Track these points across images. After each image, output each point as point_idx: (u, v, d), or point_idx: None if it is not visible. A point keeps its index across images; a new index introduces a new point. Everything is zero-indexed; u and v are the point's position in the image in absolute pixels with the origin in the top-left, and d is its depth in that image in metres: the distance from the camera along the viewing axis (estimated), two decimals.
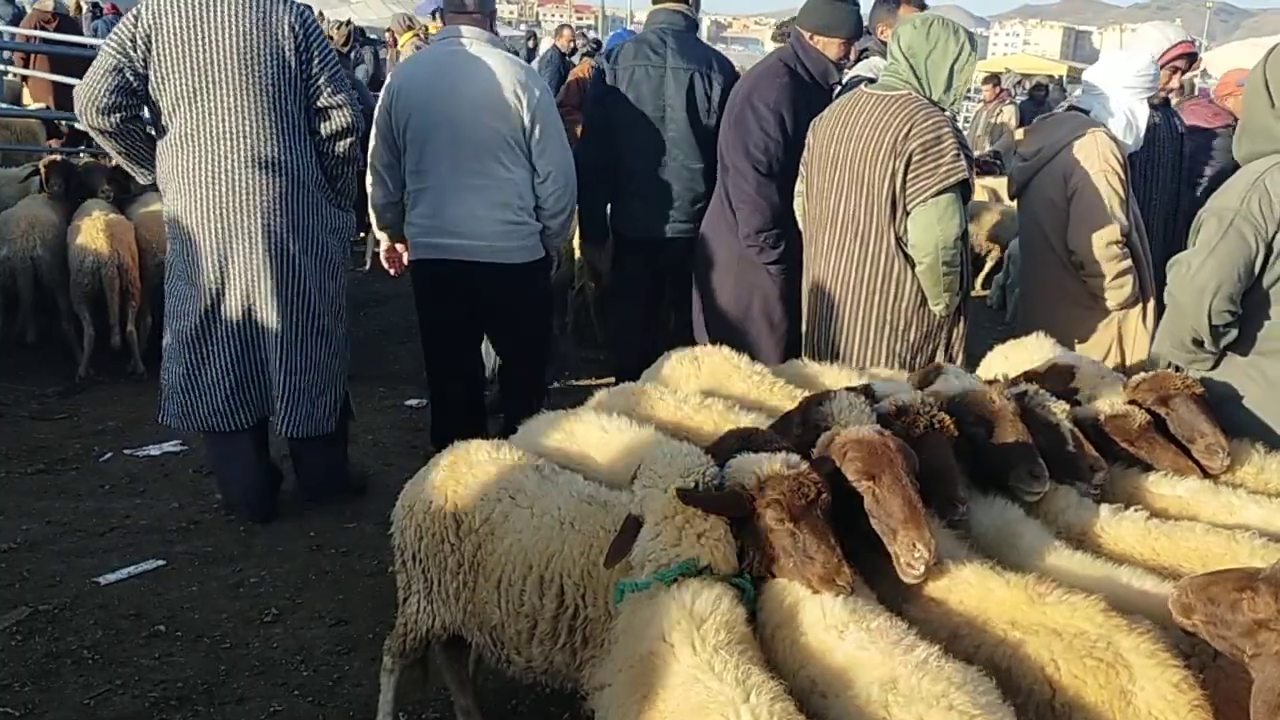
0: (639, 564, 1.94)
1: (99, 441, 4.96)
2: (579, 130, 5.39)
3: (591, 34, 20.20)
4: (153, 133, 3.96)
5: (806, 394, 2.65)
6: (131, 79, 3.74)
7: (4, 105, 10.35)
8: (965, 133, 4.66)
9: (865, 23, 4.79)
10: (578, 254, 6.57)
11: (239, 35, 3.71)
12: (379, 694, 2.75)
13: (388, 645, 2.70)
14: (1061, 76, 28.52)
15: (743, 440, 2.19)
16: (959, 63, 3.51)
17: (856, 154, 3.56)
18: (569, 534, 2.23)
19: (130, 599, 3.54)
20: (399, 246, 4.31)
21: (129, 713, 2.97)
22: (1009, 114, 13.63)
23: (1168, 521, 2.23)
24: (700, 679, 1.60)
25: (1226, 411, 2.75)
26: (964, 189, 3.51)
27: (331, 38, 7.35)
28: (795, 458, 2.01)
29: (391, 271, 4.50)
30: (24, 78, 10.58)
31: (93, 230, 5.64)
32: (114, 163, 6.79)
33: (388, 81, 4.19)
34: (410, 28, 8.42)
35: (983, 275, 9.10)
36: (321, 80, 3.87)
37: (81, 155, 7.38)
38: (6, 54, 10.97)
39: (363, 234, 7.60)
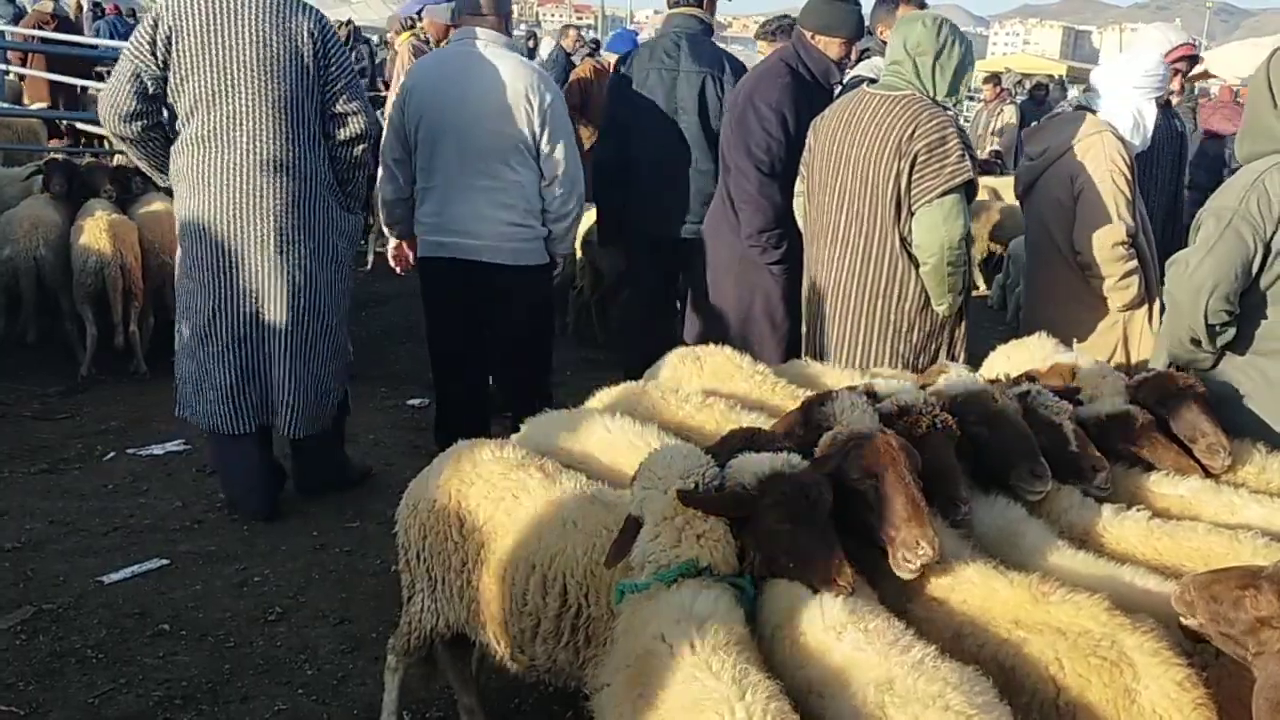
0: (639, 565, 1.94)
1: (102, 441, 4.96)
2: (580, 130, 5.44)
3: (590, 34, 20.18)
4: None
5: (808, 394, 2.66)
6: (150, 84, 3.78)
7: (5, 105, 10.36)
8: (968, 132, 4.66)
9: (866, 23, 4.81)
10: (579, 254, 6.58)
11: (258, 40, 3.75)
12: (383, 693, 2.76)
13: (392, 644, 2.71)
14: (1062, 76, 28.52)
15: (745, 440, 2.20)
16: (964, 65, 3.54)
17: (860, 154, 3.57)
18: (572, 533, 2.24)
19: (134, 598, 3.55)
20: (406, 245, 4.33)
21: (133, 712, 2.98)
22: (1010, 114, 13.63)
23: (1170, 521, 2.24)
24: (697, 677, 1.61)
25: (1227, 411, 2.76)
26: (969, 189, 3.52)
27: None
28: (796, 458, 2.01)
29: (398, 270, 4.52)
30: (21, 78, 10.61)
31: (96, 230, 5.64)
32: (115, 162, 6.85)
33: (403, 79, 4.24)
34: (410, 28, 8.42)
35: (980, 275, 9.11)
36: (338, 86, 3.91)
37: (84, 155, 7.39)
38: (7, 54, 10.99)
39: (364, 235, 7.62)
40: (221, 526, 4.13)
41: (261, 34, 3.75)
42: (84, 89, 10.72)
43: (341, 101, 3.93)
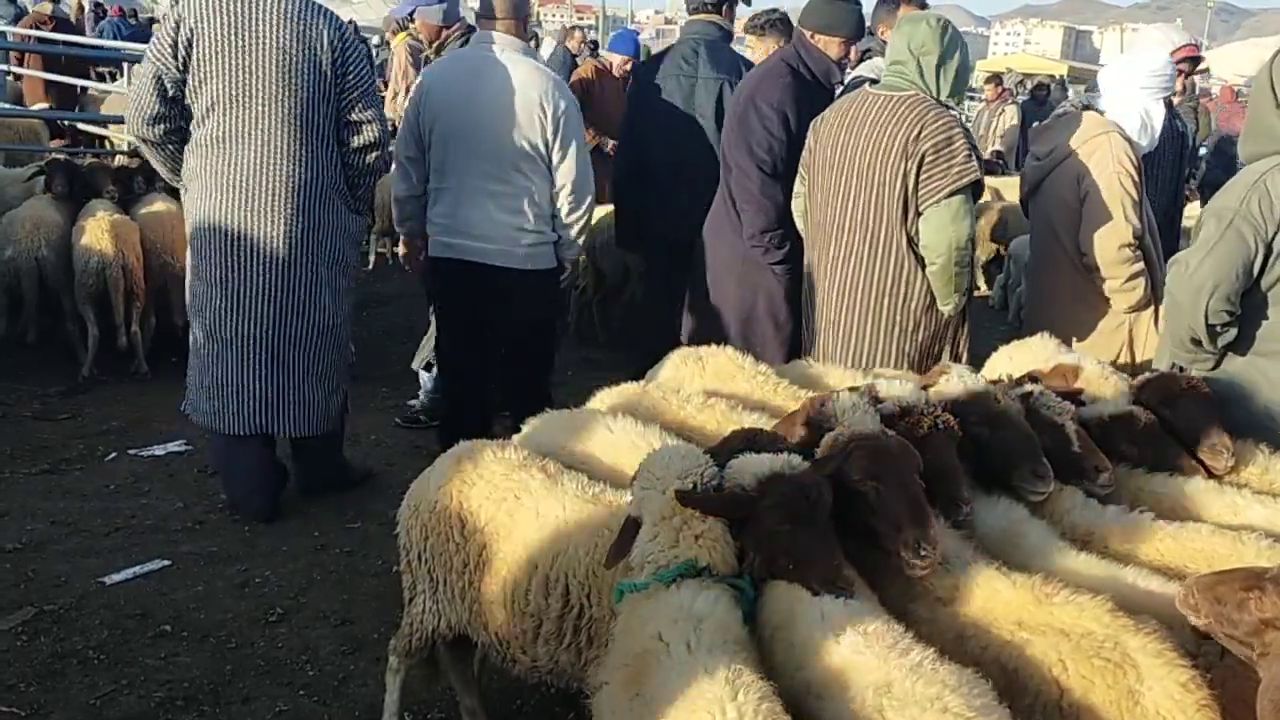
0: (638, 565, 1.94)
1: (103, 441, 4.96)
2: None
3: (591, 34, 20.18)
4: None
5: (811, 394, 2.65)
6: (170, 86, 3.83)
7: (6, 105, 10.37)
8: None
9: (867, 23, 4.82)
10: (580, 255, 6.58)
11: (278, 47, 3.79)
12: (384, 694, 2.76)
13: (393, 645, 2.71)
14: (1063, 76, 28.51)
15: (747, 441, 2.19)
16: (965, 67, 3.56)
17: (865, 155, 3.56)
18: (574, 534, 2.24)
19: (135, 599, 3.55)
20: (417, 243, 4.34)
21: (135, 713, 2.98)
22: (1011, 114, 13.63)
23: (1173, 522, 2.23)
24: (691, 677, 1.61)
25: (1229, 412, 2.75)
26: (974, 189, 3.52)
27: None
28: (796, 459, 2.01)
29: (407, 268, 4.54)
30: (18, 78, 10.62)
31: (97, 231, 5.64)
32: (117, 162, 6.86)
33: (419, 79, 4.30)
34: (404, 28, 8.42)
35: (982, 276, 9.10)
36: (355, 95, 3.97)
37: (85, 155, 7.40)
38: (8, 55, 11.00)
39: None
40: (223, 527, 4.13)
41: (281, 41, 3.80)
42: (83, 89, 10.74)
43: (356, 110, 3.98)
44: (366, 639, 3.35)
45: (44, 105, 10.05)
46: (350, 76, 3.94)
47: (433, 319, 4.93)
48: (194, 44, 3.77)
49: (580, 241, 4.25)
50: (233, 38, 3.77)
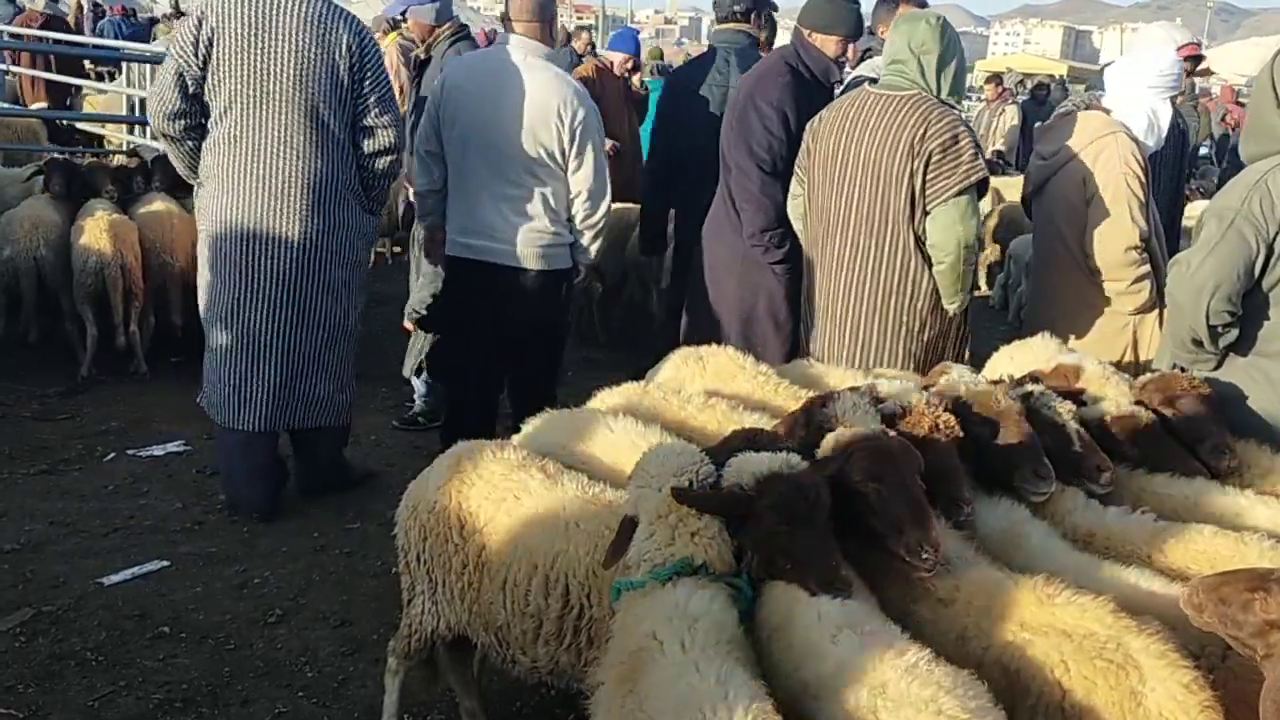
0: (634, 564, 1.93)
1: (102, 442, 4.95)
2: None
3: (589, 35, 20.17)
4: None
5: (811, 394, 2.64)
6: (191, 84, 3.87)
7: (5, 105, 10.36)
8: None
9: (867, 23, 4.81)
10: (596, 260, 6.59)
11: (297, 51, 3.83)
12: (384, 695, 2.75)
13: (392, 646, 2.70)
14: (1063, 76, 28.48)
15: (747, 441, 2.18)
16: (963, 66, 3.56)
17: (868, 154, 3.54)
18: (574, 534, 2.23)
19: (134, 600, 3.54)
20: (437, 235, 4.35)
21: (133, 714, 2.97)
22: (1012, 114, 13.62)
23: (1175, 523, 2.23)
24: (684, 676, 1.61)
25: (1231, 412, 2.75)
26: (980, 187, 3.51)
27: None
28: (795, 458, 2.00)
29: (430, 263, 4.54)
30: (11, 74, 10.62)
31: (96, 230, 5.63)
32: (115, 162, 6.85)
33: (440, 76, 4.31)
34: (395, 28, 8.40)
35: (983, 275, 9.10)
36: (371, 99, 4.00)
37: (84, 155, 7.39)
38: (4, 54, 10.99)
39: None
40: (222, 528, 4.12)
41: (300, 44, 3.83)
42: (77, 89, 10.73)
43: (372, 115, 4.02)
44: (366, 640, 3.34)
45: (42, 105, 10.05)
46: (367, 82, 3.98)
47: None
48: (215, 42, 3.81)
49: (595, 247, 4.24)
50: (253, 38, 3.80)
